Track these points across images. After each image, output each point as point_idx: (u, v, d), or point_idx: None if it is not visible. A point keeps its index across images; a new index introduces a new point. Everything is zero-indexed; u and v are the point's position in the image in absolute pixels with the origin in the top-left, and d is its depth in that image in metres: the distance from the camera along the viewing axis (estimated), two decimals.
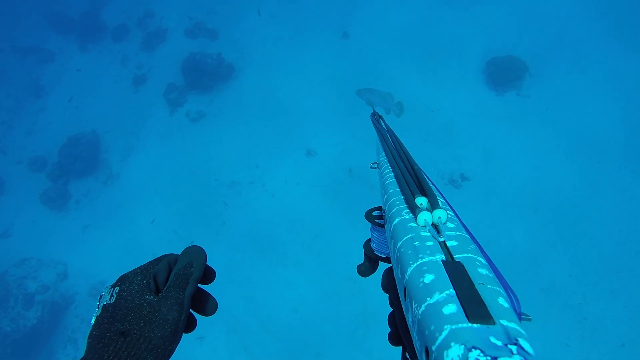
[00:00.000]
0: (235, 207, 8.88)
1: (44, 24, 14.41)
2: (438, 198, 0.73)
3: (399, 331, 0.63)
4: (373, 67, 9.74)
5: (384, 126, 1.51)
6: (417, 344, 0.48)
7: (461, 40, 9.51)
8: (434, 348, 0.41)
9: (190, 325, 0.74)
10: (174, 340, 0.63)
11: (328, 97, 9.51)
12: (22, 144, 12.12)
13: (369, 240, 0.92)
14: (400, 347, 0.65)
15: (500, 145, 8.12)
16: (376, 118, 1.68)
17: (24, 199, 10.93)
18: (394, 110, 4.01)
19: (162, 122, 10.64)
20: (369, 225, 0.93)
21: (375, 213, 0.94)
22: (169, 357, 0.62)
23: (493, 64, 8.60)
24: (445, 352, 0.39)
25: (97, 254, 9.35)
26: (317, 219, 8.14)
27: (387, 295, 0.72)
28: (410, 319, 0.52)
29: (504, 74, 8.42)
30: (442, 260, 0.53)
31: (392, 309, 0.69)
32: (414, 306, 0.49)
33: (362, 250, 0.92)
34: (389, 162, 0.99)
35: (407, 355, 0.63)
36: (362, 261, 0.96)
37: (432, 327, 0.43)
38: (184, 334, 0.70)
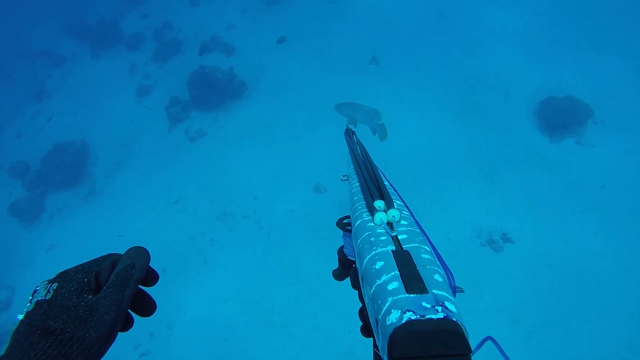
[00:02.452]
0: (222, 244, 7.39)
1: (61, 29, 13.88)
2: (395, 201, 0.82)
3: (368, 322, 0.69)
4: (401, 98, 8.42)
5: (356, 140, 1.51)
6: (371, 319, 0.58)
7: (509, 74, 8.16)
8: (379, 317, 0.52)
9: (127, 324, 0.70)
10: (108, 341, 0.61)
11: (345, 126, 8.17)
12: (9, 147, 11.12)
13: (342, 246, 1.02)
14: (372, 339, 0.68)
15: (554, 203, 6.50)
16: (349, 134, 1.65)
17: None
18: (378, 132, 3.58)
19: (158, 138, 9.47)
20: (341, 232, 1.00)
21: (345, 221, 1.00)
22: (101, 358, 0.59)
23: (548, 105, 7.15)
24: (387, 317, 0.49)
25: None
26: (318, 271, 6.55)
27: (357, 291, 0.79)
28: (366, 301, 0.63)
29: (561, 117, 6.94)
30: (392, 250, 0.63)
31: (362, 304, 0.76)
32: (368, 288, 0.60)
33: (337, 257, 1.05)
34: (356, 173, 1.07)
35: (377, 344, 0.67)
36: (337, 266, 1.07)
37: (379, 301, 0.54)
38: (119, 332, 0.67)
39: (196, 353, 6.40)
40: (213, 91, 9.31)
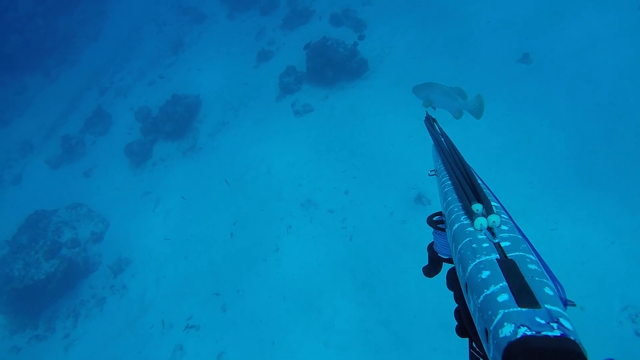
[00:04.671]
0: (298, 235, 6.56)
1: None
2: (493, 203, 0.78)
3: (464, 323, 0.71)
4: (550, 110, 6.40)
5: (439, 130, 1.43)
6: (479, 328, 0.59)
7: None
8: (491, 328, 0.52)
9: None
10: None
11: (475, 134, 6.53)
12: (142, 91, 11.91)
13: (432, 243, 1.03)
14: (467, 339, 0.72)
15: None
16: (430, 122, 1.55)
17: (117, 145, 10.45)
18: (470, 109, 2.76)
19: (265, 106, 8.99)
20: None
21: (435, 218, 1.00)
22: None
23: None
24: (500, 330, 0.50)
25: (139, 227, 8.03)
26: (397, 296, 5.29)
27: (452, 292, 0.79)
28: (472, 309, 0.63)
29: None
30: (497, 259, 0.63)
31: (457, 305, 0.76)
32: (474, 297, 0.60)
33: (427, 254, 1.05)
34: (446, 169, 1.04)
35: (474, 345, 0.68)
36: (426, 263, 1.06)
37: (490, 312, 0.54)
38: None
39: (241, 346, 5.75)
40: (330, 65, 8.41)
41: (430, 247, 1.04)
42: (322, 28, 10.14)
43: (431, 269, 1.07)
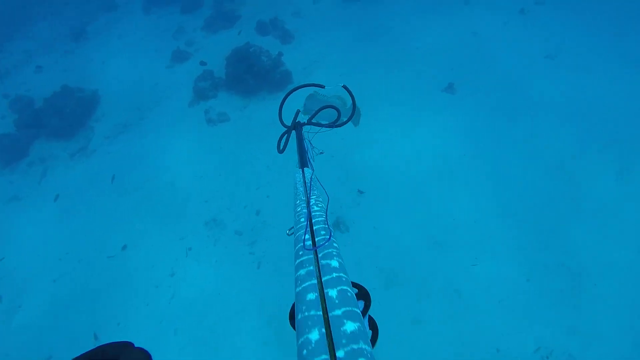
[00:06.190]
0: (199, 258, 5.71)
1: None
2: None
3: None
4: (473, 138, 6.51)
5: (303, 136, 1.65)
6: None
7: None
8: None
9: None
10: None
11: (401, 158, 6.35)
12: (25, 79, 10.08)
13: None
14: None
15: None
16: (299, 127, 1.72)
17: None
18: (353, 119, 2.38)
19: (174, 110, 8.03)
20: None
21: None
22: None
23: None
24: None
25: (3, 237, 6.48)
26: None
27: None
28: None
29: None
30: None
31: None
32: None
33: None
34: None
35: None
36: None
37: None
38: None
39: None
40: (251, 73, 7.79)
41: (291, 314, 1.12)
42: (246, 34, 9.52)
43: None
